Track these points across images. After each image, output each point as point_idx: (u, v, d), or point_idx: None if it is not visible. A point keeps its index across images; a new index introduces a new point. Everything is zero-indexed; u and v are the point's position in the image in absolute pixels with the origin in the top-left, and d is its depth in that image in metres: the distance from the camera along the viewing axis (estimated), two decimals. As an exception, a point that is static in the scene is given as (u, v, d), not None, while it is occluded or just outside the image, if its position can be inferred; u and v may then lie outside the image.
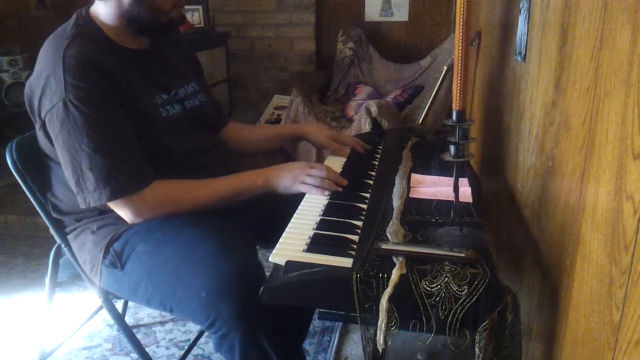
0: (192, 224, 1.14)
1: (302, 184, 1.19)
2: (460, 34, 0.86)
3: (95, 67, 1.10)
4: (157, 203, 1.15)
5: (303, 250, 0.91)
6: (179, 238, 1.11)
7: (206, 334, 1.68)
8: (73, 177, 1.10)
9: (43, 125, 1.13)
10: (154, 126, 1.18)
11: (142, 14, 1.16)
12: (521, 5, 1.23)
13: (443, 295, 0.79)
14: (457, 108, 0.89)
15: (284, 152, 2.92)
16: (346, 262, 0.86)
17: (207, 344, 1.73)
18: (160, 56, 1.29)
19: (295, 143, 1.79)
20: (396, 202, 1.09)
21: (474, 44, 1.99)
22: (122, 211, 1.14)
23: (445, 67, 2.11)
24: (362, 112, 2.48)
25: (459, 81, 0.87)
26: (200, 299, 1.00)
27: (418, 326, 0.80)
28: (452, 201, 1.00)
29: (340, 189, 1.18)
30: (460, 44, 0.86)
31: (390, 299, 0.80)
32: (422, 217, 1.02)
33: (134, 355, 1.65)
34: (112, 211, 1.18)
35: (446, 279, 0.80)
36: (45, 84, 1.09)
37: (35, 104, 1.13)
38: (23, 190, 1.27)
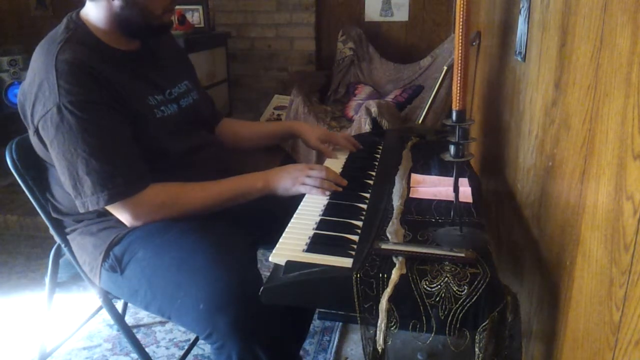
0: (192, 231, 1.14)
1: (302, 185, 1.19)
2: (460, 34, 0.86)
3: (88, 72, 1.09)
4: (155, 206, 1.15)
5: (303, 250, 0.91)
6: (179, 246, 1.11)
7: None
8: (70, 181, 1.10)
9: (37, 131, 1.12)
10: (149, 127, 1.17)
11: (133, 17, 1.15)
12: (521, 5, 1.23)
13: (443, 295, 0.79)
14: (457, 108, 0.89)
15: (284, 151, 2.93)
16: (346, 262, 0.86)
17: (207, 345, 1.73)
18: (151, 57, 1.28)
19: (290, 141, 1.78)
20: (396, 202, 1.09)
21: (474, 44, 1.99)
22: (121, 214, 1.14)
23: (445, 67, 2.11)
24: (362, 112, 2.48)
25: (459, 81, 0.87)
26: (197, 311, 1.00)
27: (418, 326, 0.80)
28: (452, 201, 1.00)
29: (340, 189, 1.19)
30: (460, 44, 0.86)
31: (390, 299, 0.80)
32: (422, 217, 1.02)
33: (134, 355, 1.65)
34: (112, 214, 1.18)
35: (446, 279, 0.80)
36: (38, 90, 1.09)
37: (28, 111, 1.12)
38: (23, 190, 1.27)
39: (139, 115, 1.16)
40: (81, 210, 1.12)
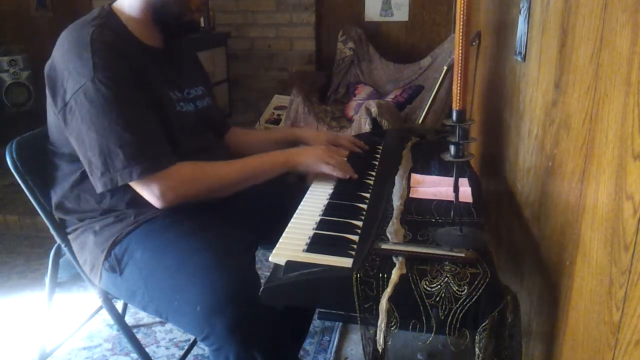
0: (190, 232, 1.14)
1: (325, 165, 1.21)
2: (460, 34, 0.86)
3: (121, 54, 1.12)
4: (182, 180, 1.15)
5: (303, 250, 0.91)
6: (177, 247, 1.11)
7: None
8: (99, 157, 1.09)
9: (64, 107, 1.11)
10: (169, 119, 1.19)
11: (168, 6, 1.18)
12: (521, 5, 1.23)
13: (443, 295, 0.79)
14: (457, 108, 0.89)
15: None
16: (346, 262, 0.86)
17: (207, 344, 1.73)
18: (172, 56, 1.31)
19: (293, 146, 1.79)
20: (396, 202, 1.09)
21: (474, 44, 1.99)
22: (149, 189, 1.12)
23: (445, 67, 2.11)
24: (362, 112, 2.48)
25: (459, 81, 0.87)
26: (194, 313, 1.00)
27: (418, 326, 0.80)
28: (452, 201, 1.00)
29: (356, 177, 1.22)
30: (460, 44, 0.86)
31: (390, 299, 0.80)
32: (422, 217, 1.02)
33: (134, 355, 1.65)
34: (114, 211, 1.18)
35: (446, 279, 0.80)
36: (71, 65, 1.09)
37: (59, 86, 1.12)
38: (23, 190, 1.27)
39: (161, 105, 1.18)
40: (104, 189, 1.11)
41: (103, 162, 1.09)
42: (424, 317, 0.80)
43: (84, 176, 1.17)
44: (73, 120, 1.11)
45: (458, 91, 0.88)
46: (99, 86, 1.07)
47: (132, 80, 1.12)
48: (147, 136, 1.11)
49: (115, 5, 1.22)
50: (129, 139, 1.08)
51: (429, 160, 1.34)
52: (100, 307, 1.52)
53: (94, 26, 1.12)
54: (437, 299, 0.79)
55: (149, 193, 1.13)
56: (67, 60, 1.10)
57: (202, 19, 3.25)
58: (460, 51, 0.86)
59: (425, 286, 0.80)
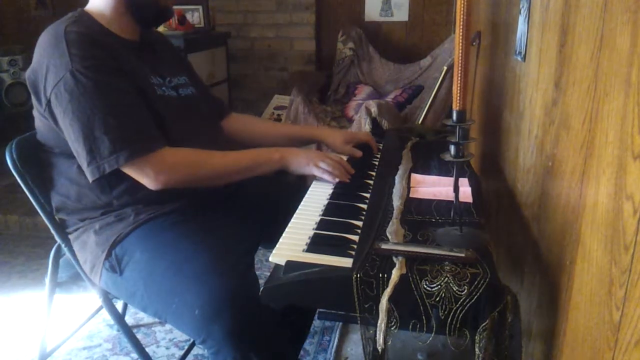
0: (190, 234, 1.14)
1: (315, 167, 1.21)
2: (460, 34, 0.86)
3: (97, 44, 1.12)
4: (176, 163, 1.14)
5: (303, 250, 0.91)
6: (176, 249, 1.11)
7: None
8: (85, 146, 1.08)
9: (48, 104, 1.12)
10: (151, 103, 1.18)
11: None
12: (521, 5, 1.23)
13: (443, 295, 0.79)
14: (457, 108, 0.89)
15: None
16: (346, 262, 0.86)
17: (207, 344, 1.73)
18: (150, 48, 1.31)
19: (306, 145, 1.78)
20: (396, 202, 1.09)
21: (474, 44, 1.99)
22: (141, 173, 1.12)
23: (445, 67, 2.11)
24: (362, 112, 2.48)
25: (459, 81, 0.87)
26: (193, 317, 1.00)
27: (418, 326, 0.80)
28: (452, 201, 1.00)
29: (347, 181, 1.22)
30: (460, 44, 0.86)
31: (390, 299, 0.80)
32: (422, 217, 1.02)
33: (134, 355, 1.65)
34: (115, 209, 1.18)
35: (446, 279, 0.80)
36: (49, 62, 1.10)
37: (40, 84, 1.12)
38: (23, 190, 1.27)
39: (142, 89, 1.17)
40: (93, 178, 1.10)
41: (89, 151, 1.08)
42: (424, 317, 0.80)
43: (80, 170, 1.17)
44: (59, 115, 1.11)
45: (458, 91, 0.88)
46: (78, 77, 1.07)
47: (111, 67, 1.12)
48: (132, 120, 1.11)
49: (87, 7, 1.23)
50: (113, 124, 1.07)
51: (429, 160, 1.34)
52: (100, 307, 1.52)
53: (68, 24, 1.13)
54: (437, 299, 0.79)
55: (142, 175, 1.12)
56: (44, 59, 1.11)
57: (202, 19, 3.25)
58: (460, 51, 0.86)
59: (425, 286, 0.80)
